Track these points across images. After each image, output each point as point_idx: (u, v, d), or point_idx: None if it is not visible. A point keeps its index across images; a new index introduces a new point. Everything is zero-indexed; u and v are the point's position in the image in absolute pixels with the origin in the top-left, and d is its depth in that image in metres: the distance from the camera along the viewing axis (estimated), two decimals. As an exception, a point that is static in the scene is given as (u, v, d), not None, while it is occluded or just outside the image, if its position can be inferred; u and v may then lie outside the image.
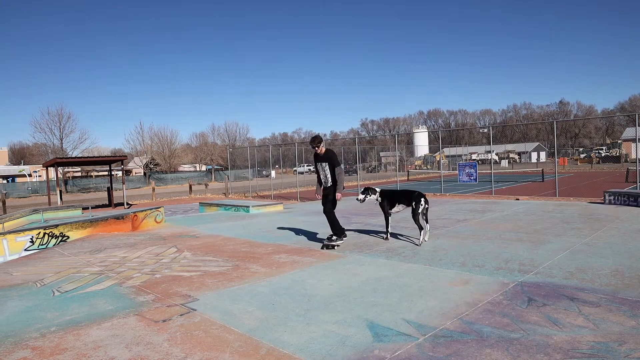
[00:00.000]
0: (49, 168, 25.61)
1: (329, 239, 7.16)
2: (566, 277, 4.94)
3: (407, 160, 61.82)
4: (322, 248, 7.03)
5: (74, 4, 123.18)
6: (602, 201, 12.28)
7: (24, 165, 60.91)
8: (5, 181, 51.25)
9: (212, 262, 6.49)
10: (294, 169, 45.78)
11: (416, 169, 49.50)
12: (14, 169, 58.18)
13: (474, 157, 61.51)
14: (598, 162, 49.31)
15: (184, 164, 67.63)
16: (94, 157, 36.03)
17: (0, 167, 60.17)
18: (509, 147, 75.50)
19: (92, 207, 15.68)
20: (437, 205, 13.15)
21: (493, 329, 3.56)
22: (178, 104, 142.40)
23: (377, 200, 7.50)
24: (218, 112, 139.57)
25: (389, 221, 7.62)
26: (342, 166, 5.71)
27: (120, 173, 49.57)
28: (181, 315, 4.19)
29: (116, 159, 25.52)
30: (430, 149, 72.78)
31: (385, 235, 7.70)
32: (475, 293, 4.49)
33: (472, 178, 18.54)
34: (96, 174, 57.42)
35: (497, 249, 6.52)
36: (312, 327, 3.75)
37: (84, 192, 43.26)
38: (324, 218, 7.49)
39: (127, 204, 21.41)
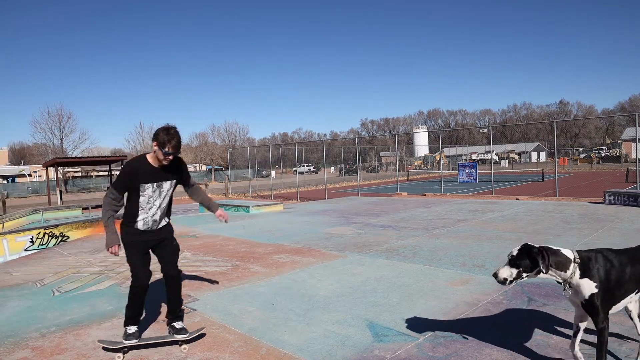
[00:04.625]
0: (49, 168, 25.60)
1: None
2: (566, 277, 4.93)
3: (407, 160, 61.80)
4: None
5: (74, 3, 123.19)
6: (602, 201, 12.28)
7: (24, 165, 60.87)
8: (5, 181, 51.23)
9: (212, 262, 6.49)
10: (294, 169, 45.85)
11: (416, 169, 49.47)
12: (14, 169, 58.13)
13: (474, 157, 61.47)
14: (598, 162, 49.26)
15: (184, 164, 67.53)
16: (94, 157, 36.04)
17: (0, 167, 60.16)
18: (509, 147, 75.39)
19: (92, 207, 15.66)
20: (438, 205, 13.16)
21: (493, 329, 3.56)
22: (178, 104, 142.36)
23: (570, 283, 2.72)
24: (218, 112, 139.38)
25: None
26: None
27: (120, 173, 49.45)
28: (181, 315, 4.19)
29: (116, 159, 25.49)
30: (430, 149, 72.72)
31: None
32: (475, 293, 4.49)
33: (472, 178, 18.54)
34: (96, 174, 57.38)
35: (497, 249, 6.52)
36: (312, 327, 3.75)
37: (84, 192, 43.25)
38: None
39: (127, 204, 21.38)
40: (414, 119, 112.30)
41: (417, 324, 3.71)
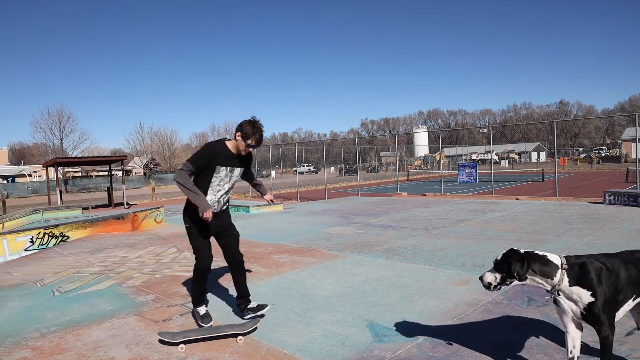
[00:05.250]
0: (49, 168, 25.60)
1: None
2: (566, 277, 4.93)
3: (407, 160, 61.79)
4: None
5: (74, 3, 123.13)
6: (602, 201, 12.27)
7: (24, 165, 60.87)
8: (5, 181, 51.24)
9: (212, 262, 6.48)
10: (294, 169, 45.84)
11: (416, 169, 49.48)
12: (14, 169, 58.14)
13: (474, 157, 61.47)
14: (598, 162, 49.25)
15: (184, 164, 67.51)
16: (94, 157, 36.04)
17: (0, 167, 60.16)
18: (509, 147, 75.39)
19: (92, 207, 15.68)
20: (437, 205, 13.15)
21: (493, 329, 3.56)
22: (178, 104, 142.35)
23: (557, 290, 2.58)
24: (218, 112, 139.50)
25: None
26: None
27: (120, 173, 49.56)
28: (181, 315, 4.19)
29: (116, 159, 25.53)
30: (430, 149, 72.70)
31: None
32: (475, 293, 4.49)
33: (472, 178, 18.53)
34: (96, 174, 57.40)
35: (497, 249, 6.52)
36: (312, 327, 3.74)
37: (84, 192, 43.25)
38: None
39: (127, 204, 21.40)
40: (414, 119, 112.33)
41: (417, 324, 3.71)
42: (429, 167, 52.68)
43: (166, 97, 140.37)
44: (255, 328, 3.68)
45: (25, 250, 8.17)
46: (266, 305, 3.91)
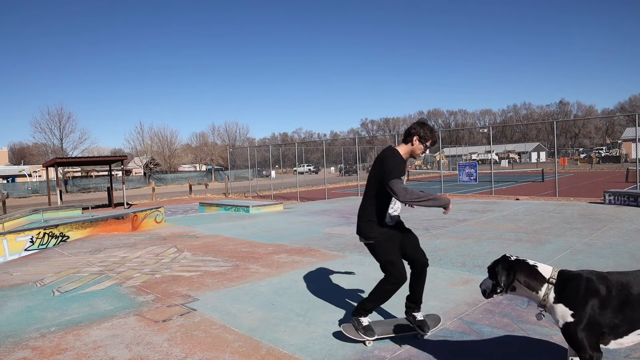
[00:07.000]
0: (49, 168, 25.60)
1: None
2: (566, 277, 4.92)
3: (407, 160, 61.74)
4: None
5: (74, 3, 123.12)
6: (602, 201, 12.28)
7: (24, 165, 60.85)
8: (5, 181, 51.22)
9: (212, 262, 6.49)
10: (294, 169, 45.83)
11: (416, 169, 49.50)
12: (14, 169, 58.13)
13: (474, 157, 61.51)
14: (598, 162, 49.25)
15: (184, 164, 67.57)
16: (94, 157, 36.02)
17: (0, 167, 60.15)
18: (509, 147, 75.43)
19: (92, 207, 15.68)
20: (437, 205, 13.15)
21: (493, 329, 3.56)
22: (178, 104, 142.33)
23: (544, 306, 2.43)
24: (218, 112, 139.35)
25: None
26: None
27: (120, 173, 49.57)
28: (181, 315, 4.19)
29: (116, 159, 25.51)
30: (430, 149, 72.65)
31: None
32: (475, 293, 4.49)
33: (472, 178, 18.53)
34: (96, 174, 57.40)
35: (497, 249, 6.52)
36: (312, 327, 3.75)
37: (84, 192, 43.24)
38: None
39: (127, 204, 21.40)
40: (414, 119, 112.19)
41: (417, 324, 3.71)
42: (429, 167, 52.70)
43: (166, 97, 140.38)
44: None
45: (25, 250, 8.17)
46: (426, 333, 3.38)
